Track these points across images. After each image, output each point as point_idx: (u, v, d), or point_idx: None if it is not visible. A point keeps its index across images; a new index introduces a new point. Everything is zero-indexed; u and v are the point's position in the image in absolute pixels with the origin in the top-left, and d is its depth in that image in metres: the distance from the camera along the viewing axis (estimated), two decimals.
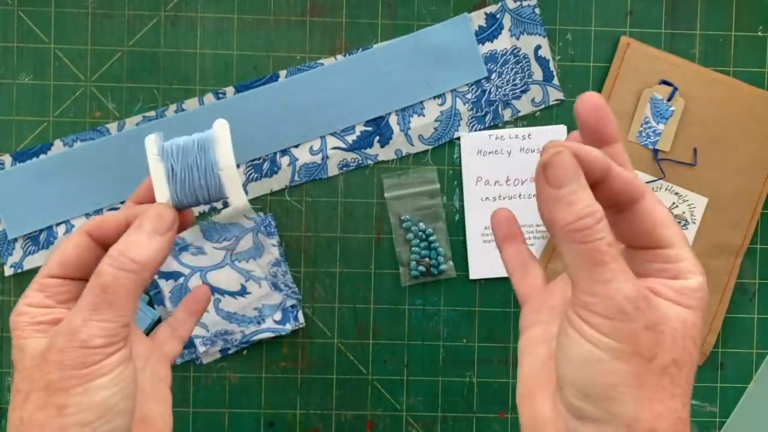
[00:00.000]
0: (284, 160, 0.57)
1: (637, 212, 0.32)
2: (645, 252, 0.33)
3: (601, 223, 0.30)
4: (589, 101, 0.32)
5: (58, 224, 0.56)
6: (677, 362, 0.30)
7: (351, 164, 0.58)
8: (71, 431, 0.31)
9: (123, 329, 0.33)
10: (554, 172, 0.30)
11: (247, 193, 0.57)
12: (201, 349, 0.56)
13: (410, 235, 0.57)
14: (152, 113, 0.57)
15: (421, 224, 0.57)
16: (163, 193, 0.35)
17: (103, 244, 0.36)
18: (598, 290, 0.30)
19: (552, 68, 0.58)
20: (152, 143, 0.35)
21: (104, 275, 0.33)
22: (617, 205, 0.33)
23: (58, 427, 0.31)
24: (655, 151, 0.57)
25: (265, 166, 0.57)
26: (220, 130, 0.35)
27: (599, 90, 0.58)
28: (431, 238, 0.57)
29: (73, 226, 0.56)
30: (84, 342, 0.32)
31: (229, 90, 0.57)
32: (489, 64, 0.57)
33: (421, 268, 0.57)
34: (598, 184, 0.32)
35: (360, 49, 0.57)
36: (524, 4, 0.57)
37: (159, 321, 0.57)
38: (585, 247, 0.30)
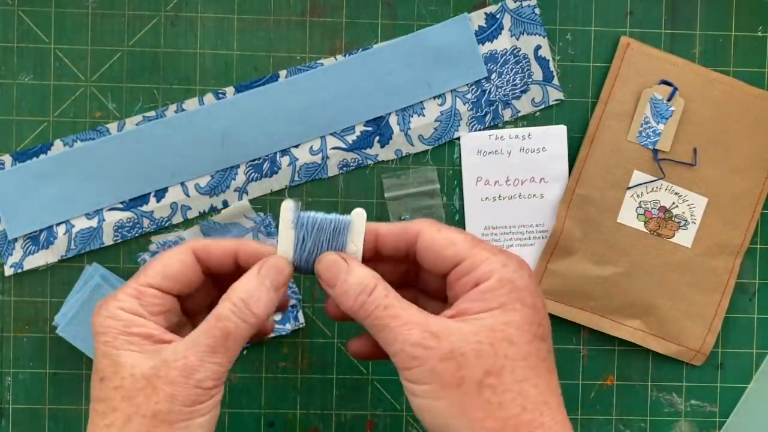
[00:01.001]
0: (284, 160, 0.57)
1: (421, 249, 0.35)
2: (451, 275, 0.35)
3: (373, 294, 0.33)
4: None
5: (58, 224, 0.56)
6: (492, 371, 0.31)
7: (351, 164, 0.58)
8: None
9: (227, 373, 0.34)
10: (324, 276, 0.35)
11: (247, 193, 0.57)
12: None
13: None
14: (152, 113, 0.57)
15: None
16: (288, 253, 0.37)
17: (206, 267, 0.37)
18: (394, 349, 0.33)
19: (552, 68, 0.58)
20: (288, 210, 0.38)
21: (227, 321, 0.34)
22: (405, 253, 0.36)
23: None
24: (655, 151, 0.57)
25: (266, 166, 0.57)
26: (358, 219, 0.38)
27: (599, 90, 0.58)
28: None
29: (73, 225, 0.56)
30: (199, 382, 0.33)
31: (229, 90, 0.57)
32: (489, 64, 0.58)
33: None
34: (375, 249, 0.36)
35: (360, 49, 0.57)
36: (524, 4, 0.57)
37: None
38: (369, 320, 0.33)
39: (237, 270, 0.37)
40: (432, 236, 0.35)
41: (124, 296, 0.35)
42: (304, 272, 0.38)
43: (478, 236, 0.58)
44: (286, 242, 0.37)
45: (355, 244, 0.37)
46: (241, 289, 0.34)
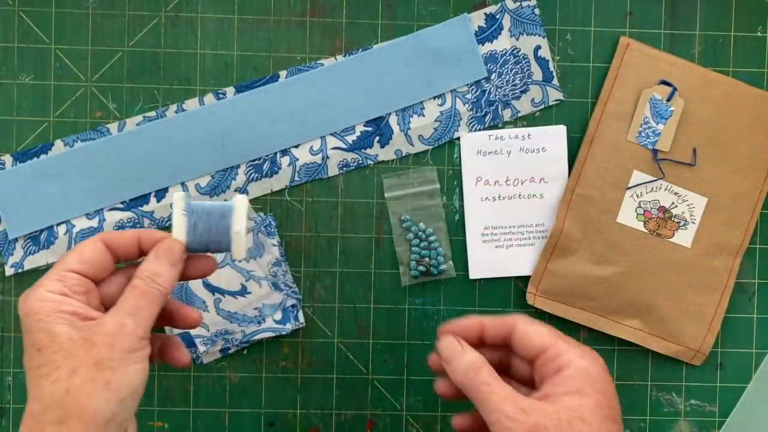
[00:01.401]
0: (284, 160, 0.57)
1: (515, 339, 0.44)
2: (537, 361, 0.43)
3: (480, 372, 0.42)
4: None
5: (58, 224, 0.56)
6: None
7: (351, 164, 0.58)
8: (111, 403, 0.38)
9: (149, 331, 0.40)
10: (442, 354, 0.44)
11: (247, 192, 0.57)
12: (201, 348, 0.57)
13: (410, 235, 0.58)
14: (153, 113, 0.57)
15: (421, 224, 0.57)
16: (182, 238, 0.44)
17: (115, 253, 0.43)
18: (491, 419, 0.40)
19: (551, 68, 0.58)
20: (180, 200, 0.44)
21: (141, 287, 0.41)
22: (503, 341, 0.45)
23: (104, 399, 0.38)
24: (655, 151, 0.57)
25: (266, 166, 0.57)
26: (240, 204, 0.44)
27: (598, 90, 0.58)
28: (431, 238, 0.57)
29: (73, 226, 0.56)
30: (132, 330, 0.39)
31: (230, 90, 0.57)
32: (489, 65, 0.58)
33: (421, 267, 0.57)
34: (480, 338, 0.45)
35: (360, 50, 0.58)
36: (524, 4, 0.57)
37: None
38: (474, 393, 0.42)
39: (140, 256, 0.44)
40: (525, 328, 0.44)
41: (48, 282, 0.40)
42: (198, 251, 0.45)
43: (478, 236, 0.58)
44: (179, 227, 0.44)
45: (239, 225, 0.44)
46: (145, 269, 0.41)
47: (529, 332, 0.44)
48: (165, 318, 0.45)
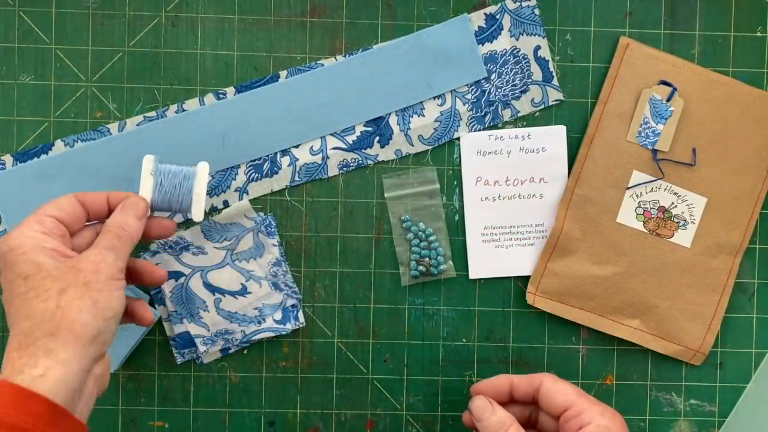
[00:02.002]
0: (284, 160, 0.57)
1: (541, 396, 0.49)
2: (562, 417, 0.48)
3: (510, 429, 0.47)
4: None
5: None
6: None
7: (351, 164, 0.58)
8: (98, 320, 0.41)
9: (124, 269, 0.45)
10: (474, 413, 0.49)
11: (247, 192, 0.57)
12: (201, 348, 0.57)
13: (410, 235, 0.58)
14: (153, 113, 0.57)
15: (421, 224, 0.57)
16: (147, 196, 0.50)
17: (86, 210, 0.47)
18: None
19: (551, 69, 0.58)
20: (148, 162, 0.51)
21: (114, 231, 0.45)
22: (531, 397, 0.50)
23: (92, 315, 0.41)
24: (654, 152, 0.57)
25: (266, 166, 0.57)
26: (202, 170, 0.51)
27: (598, 90, 0.58)
28: (431, 238, 0.57)
29: None
30: (113, 261, 0.44)
31: (230, 90, 0.57)
32: (488, 65, 0.58)
33: (421, 267, 0.57)
34: (510, 395, 0.50)
35: (360, 50, 0.58)
36: (524, 4, 0.57)
37: (159, 321, 0.57)
38: None
39: (108, 214, 0.49)
40: (550, 386, 0.49)
41: (28, 223, 0.44)
42: (163, 210, 0.51)
43: (478, 236, 0.58)
44: (146, 185, 0.50)
45: (200, 188, 0.51)
46: (113, 220, 0.46)
47: (553, 390, 0.48)
48: (134, 276, 0.49)
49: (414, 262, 0.57)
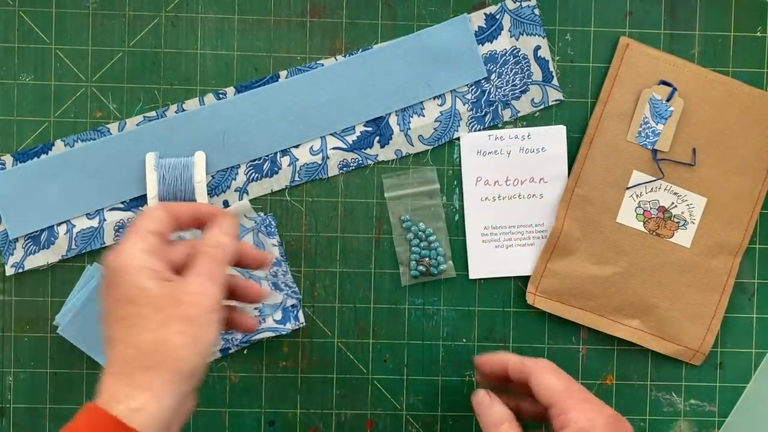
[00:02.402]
0: (284, 160, 0.57)
1: (532, 386, 0.47)
2: (550, 410, 0.46)
3: (500, 428, 0.47)
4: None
5: (59, 224, 0.57)
6: None
7: (351, 164, 0.58)
8: (197, 356, 0.41)
9: (223, 294, 0.44)
10: (474, 405, 0.49)
11: (247, 192, 0.57)
12: None
13: (410, 235, 0.58)
14: (153, 113, 0.57)
15: (421, 224, 0.57)
16: (153, 190, 0.55)
17: (175, 221, 0.46)
18: None
19: (551, 69, 0.58)
20: (151, 158, 0.55)
21: (212, 253, 0.44)
22: (521, 381, 0.48)
23: (192, 351, 0.41)
24: (654, 152, 0.57)
25: (266, 166, 0.57)
26: (199, 158, 0.55)
27: (598, 90, 0.58)
28: (431, 238, 0.57)
29: (73, 225, 0.56)
30: (213, 292, 0.43)
31: (230, 90, 0.57)
32: (488, 65, 0.58)
33: (420, 267, 0.57)
34: (505, 375, 0.49)
35: (360, 50, 0.58)
36: (524, 4, 0.57)
37: None
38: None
39: (194, 227, 0.48)
40: (538, 380, 0.47)
41: (133, 241, 0.43)
42: (169, 200, 0.55)
43: (478, 236, 0.58)
44: (151, 181, 0.55)
45: (200, 176, 0.55)
46: (211, 238, 0.45)
47: (541, 384, 0.47)
48: (228, 292, 0.48)
49: (414, 262, 0.57)
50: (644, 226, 0.57)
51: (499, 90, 0.58)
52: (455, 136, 0.58)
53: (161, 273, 0.42)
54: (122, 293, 0.41)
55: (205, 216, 0.47)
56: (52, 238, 0.56)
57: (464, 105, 0.58)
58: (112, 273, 0.42)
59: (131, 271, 0.41)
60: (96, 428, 0.38)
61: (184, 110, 0.57)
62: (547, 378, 0.47)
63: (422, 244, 0.58)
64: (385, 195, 0.58)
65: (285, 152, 0.57)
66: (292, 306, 0.58)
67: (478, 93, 0.58)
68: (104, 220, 0.57)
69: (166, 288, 0.41)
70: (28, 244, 0.57)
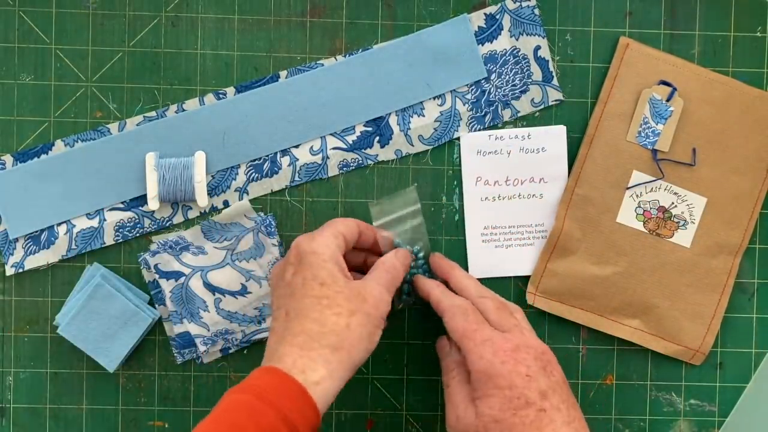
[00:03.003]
0: (285, 160, 0.57)
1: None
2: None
3: (449, 375, 0.50)
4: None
5: (59, 224, 0.57)
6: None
7: (351, 164, 0.58)
8: (366, 352, 0.45)
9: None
10: (438, 350, 0.53)
11: (247, 192, 0.57)
12: (201, 348, 0.57)
13: None
14: (153, 113, 0.57)
15: (408, 246, 0.55)
16: (153, 190, 0.55)
17: (359, 238, 0.50)
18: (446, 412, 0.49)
19: (551, 69, 0.58)
20: (151, 158, 0.55)
21: (391, 270, 0.49)
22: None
23: (365, 347, 0.45)
24: (654, 152, 0.57)
25: (266, 166, 0.57)
26: (199, 158, 0.56)
27: (598, 90, 0.58)
28: (419, 255, 0.55)
29: (74, 225, 0.57)
30: (388, 302, 0.47)
31: (230, 90, 0.57)
32: (488, 65, 0.58)
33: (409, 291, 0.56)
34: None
35: (360, 50, 0.58)
36: (524, 4, 0.57)
37: (159, 321, 0.57)
38: (444, 388, 0.50)
39: (367, 249, 0.53)
40: (446, 325, 0.49)
41: (328, 234, 0.47)
42: (169, 200, 0.55)
43: (478, 236, 0.58)
44: (151, 181, 0.55)
45: (200, 176, 0.55)
46: (391, 261, 0.49)
47: (450, 330, 0.49)
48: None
49: (407, 285, 0.56)
50: (644, 226, 0.57)
51: (499, 90, 0.58)
52: (455, 136, 0.58)
53: (345, 271, 0.47)
54: (315, 274, 0.45)
55: (380, 244, 0.52)
56: (52, 238, 0.57)
57: (464, 105, 0.58)
58: (305, 253, 0.46)
59: (326, 258, 0.45)
60: (284, 391, 0.41)
61: (184, 110, 0.57)
62: (451, 323, 0.49)
63: (412, 264, 0.55)
64: (373, 223, 0.54)
65: (285, 152, 0.57)
66: None
67: (478, 93, 0.58)
68: (104, 220, 0.57)
69: (353, 284, 0.46)
70: (28, 244, 0.57)
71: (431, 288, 0.52)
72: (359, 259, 0.54)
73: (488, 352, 0.46)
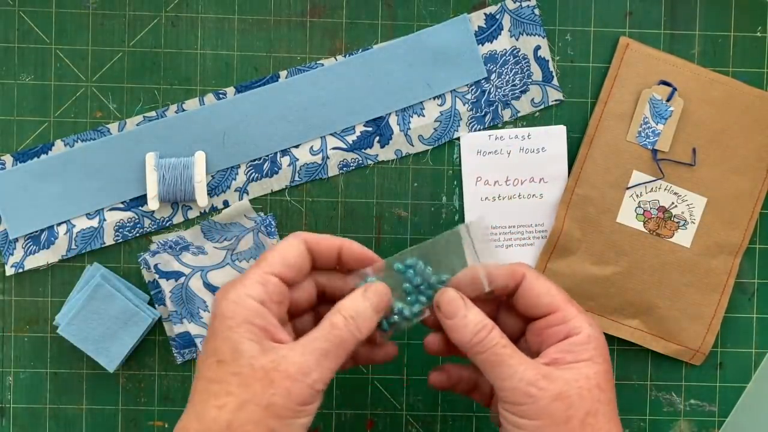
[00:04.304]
0: (285, 160, 0.57)
1: (521, 293, 0.41)
2: (540, 322, 0.40)
3: (492, 332, 0.38)
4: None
5: (59, 224, 0.57)
6: (591, 412, 0.37)
7: (351, 164, 0.58)
8: None
9: (328, 384, 0.37)
10: (444, 308, 0.40)
11: (247, 192, 0.57)
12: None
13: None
14: (153, 113, 0.57)
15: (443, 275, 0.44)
16: (153, 190, 0.55)
17: (314, 259, 0.41)
18: (506, 385, 0.37)
19: (551, 69, 0.58)
20: (151, 158, 0.55)
21: (341, 331, 0.37)
22: (505, 292, 0.41)
23: None
24: (654, 152, 0.57)
25: (266, 166, 0.57)
26: (199, 157, 0.55)
27: (598, 90, 0.58)
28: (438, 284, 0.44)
29: (74, 225, 0.57)
30: (313, 382, 0.36)
31: (230, 90, 0.57)
32: (488, 65, 0.58)
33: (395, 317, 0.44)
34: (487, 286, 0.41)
35: (360, 50, 0.58)
36: (524, 4, 0.57)
37: (159, 321, 0.57)
38: (485, 355, 0.38)
39: (338, 266, 0.42)
40: (533, 281, 0.41)
41: (251, 283, 0.38)
42: (168, 200, 0.55)
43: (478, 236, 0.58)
44: (151, 181, 0.55)
45: (200, 176, 0.55)
46: (350, 306, 0.38)
47: (537, 288, 0.40)
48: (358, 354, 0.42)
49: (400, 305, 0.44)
50: (644, 226, 0.57)
51: (499, 90, 0.58)
52: (455, 136, 0.58)
53: (268, 331, 0.37)
54: (215, 347, 0.36)
55: (356, 258, 0.41)
56: (52, 238, 0.56)
57: (464, 105, 0.58)
58: (215, 317, 0.37)
59: (235, 323, 0.36)
60: None
61: (184, 110, 0.57)
62: (544, 283, 0.41)
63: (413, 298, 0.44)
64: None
65: (285, 152, 0.57)
66: None
67: (478, 93, 0.58)
68: (104, 220, 0.57)
69: (264, 357, 0.35)
70: (28, 244, 0.57)
71: (482, 266, 0.41)
72: (348, 286, 0.42)
73: (595, 322, 0.40)
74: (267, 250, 0.41)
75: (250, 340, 0.36)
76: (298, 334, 0.40)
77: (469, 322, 0.39)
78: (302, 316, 0.43)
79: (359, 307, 0.38)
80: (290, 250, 0.39)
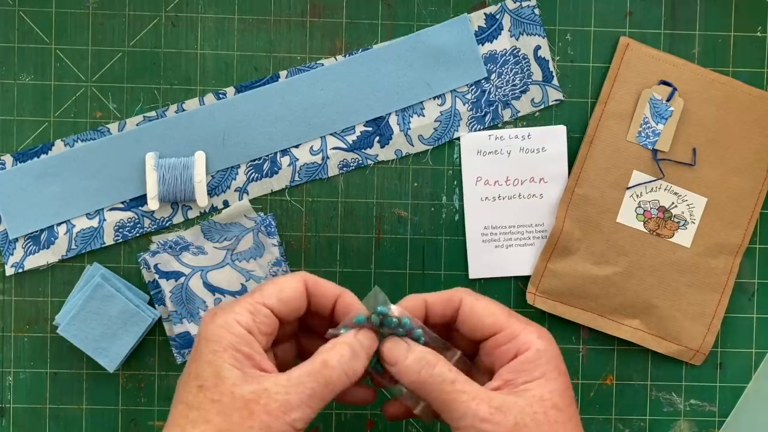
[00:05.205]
0: (284, 160, 0.57)
1: (462, 317, 0.40)
2: (488, 342, 0.39)
3: (437, 367, 0.37)
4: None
5: (59, 224, 0.57)
6: None
7: (351, 164, 0.58)
8: None
9: (309, 423, 0.36)
10: (387, 357, 0.39)
11: (247, 192, 0.57)
12: None
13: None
14: (153, 113, 0.57)
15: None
16: (153, 190, 0.55)
17: (310, 301, 0.40)
18: (461, 425, 0.36)
19: (551, 69, 0.58)
20: (151, 158, 0.55)
21: (332, 371, 0.36)
22: (449, 320, 0.41)
23: None
24: (654, 152, 0.57)
25: (266, 166, 0.57)
26: (199, 157, 0.56)
27: (598, 90, 0.58)
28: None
29: (73, 225, 0.57)
30: (294, 421, 0.35)
31: (230, 90, 0.57)
32: (488, 65, 0.58)
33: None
34: (425, 316, 0.40)
35: (360, 50, 0.58)
36: (524, 4, 0.57)
37: (159, 321, 0.57)
38: (435, 394, 0.37)
39: (332, 313, 0.41)
40: (471, 305, 0.40)
41: (240, 309, 0.37)
42: (168, 200, 0.55)
43: (478, 236, 0.58)
44: (151, 181, 0.55)
45: (200, 176, 0.55)
46: (347, 344, 0.38)
47: (478, 310, 0.40)
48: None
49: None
50: (644, 226, 0.57)
51: (499, 90, 0.58)
52: (455, 136, 0.58)
53: (253, 359, 0.36)
54: (198, 372, 0.35)
55: (342, 308, 0.40)
56: (52, 238, 0.56)
57: (464, 105, 0.58)
58: (198, 339, 0.37)
59: (218, 348, 0.35)
60: None
61: (184, 110, 0.57)
62: (484, 303, 0.40)
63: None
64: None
65: (285, 152, 0.57)
66: None
67: (478, 93, 0.58)
68: (104, 220, 0.57)
69: (246, 386, 0.35)
70: (28, 244, 0.57)
71: (421, 296, 0.42)
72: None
73: (543, 333, 0.40)
74: (266, 282, 0.40)
75: (233, 366, 0.35)
76: (278, 360, 0.40)
77: (412, 361, 0.38)
78: (283, 343, 0.43)
79: (355, 347, 0.38)
80: (288, 286, 0.39)
